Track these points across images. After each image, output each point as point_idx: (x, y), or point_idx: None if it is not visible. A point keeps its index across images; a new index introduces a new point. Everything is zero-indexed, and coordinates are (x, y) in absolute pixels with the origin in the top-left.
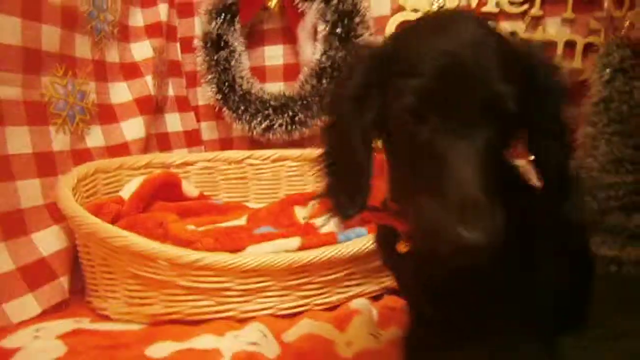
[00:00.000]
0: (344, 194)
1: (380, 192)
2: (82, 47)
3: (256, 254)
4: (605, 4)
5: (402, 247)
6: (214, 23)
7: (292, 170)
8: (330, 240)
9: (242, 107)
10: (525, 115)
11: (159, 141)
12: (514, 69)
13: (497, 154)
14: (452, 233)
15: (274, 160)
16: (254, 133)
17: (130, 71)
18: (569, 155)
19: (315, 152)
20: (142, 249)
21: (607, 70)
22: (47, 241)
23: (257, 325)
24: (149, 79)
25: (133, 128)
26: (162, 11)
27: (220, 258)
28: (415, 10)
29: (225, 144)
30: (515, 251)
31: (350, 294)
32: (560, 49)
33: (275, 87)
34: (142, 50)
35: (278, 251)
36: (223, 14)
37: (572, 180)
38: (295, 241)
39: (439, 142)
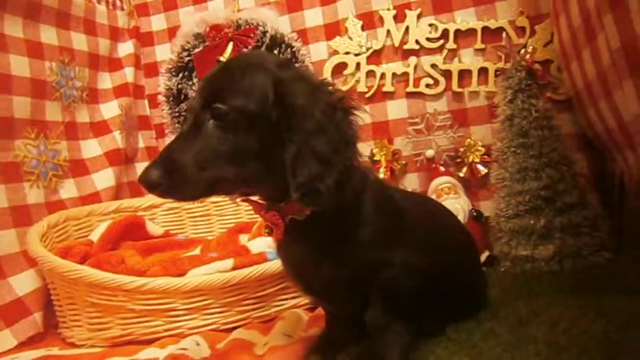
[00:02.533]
0: None
1: None
2: (53, 112)
3: (195, 276)
4: (504, 34)
5: (263, 232)
6: (174, 80)
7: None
8: (260, 259)
9: None
10: (284, 132)
11: (131, 189)
12: (245, 86)
13: (244, 145)
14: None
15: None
16: None
17: (100, 128)
18: (297, 156)
19: None
20: (94, 279)
21: (509, 92)
22: (23, 282)
23: (194, 337)
24: (117, 134)
25: (104, 178)
26: (128, 73)
27: (161, 282)
28: (347, 53)
29: None
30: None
31: (286, 306)
32: (475, 76)
33: None
34: (110, 109)
35: (213, 272)
36: (182, 72)
37: (302, 175)
38: (229, 262)
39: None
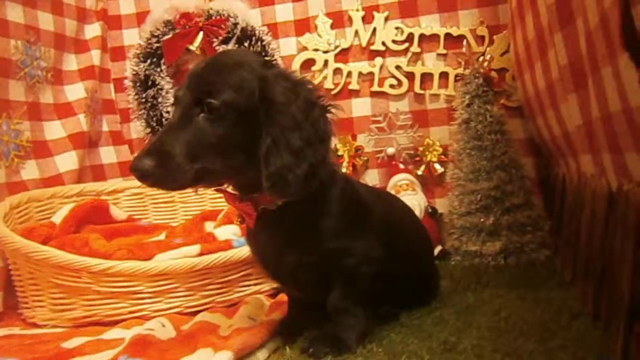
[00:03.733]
0: None
1: None
2: (16, 91)
3: (161, 260)
4: (464, 42)
5: (235, 221)
6: (142, 65)
7: (215, 193)
8: (226, 246)
9: None
10: (264, 126)
11: (94, 172)
12: (234, 82)
13: (229, 137)
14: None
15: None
16: None
17: (64, 110)
18: (273, 149)
19: None
20: (60, 260)
21: (467, 96)
22: None
23: (159, 319)
24: (81, 116)
25: (67, 161)
26: (94, 56)
27: (129, 265)
28: (316, 50)
29: None
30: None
31: (248, 292)
32: (436, 79)
33: None
34: (75, 91)
35: (180, 257)
36: (150, 58)
37: (275, 166)
38: (195, 248)
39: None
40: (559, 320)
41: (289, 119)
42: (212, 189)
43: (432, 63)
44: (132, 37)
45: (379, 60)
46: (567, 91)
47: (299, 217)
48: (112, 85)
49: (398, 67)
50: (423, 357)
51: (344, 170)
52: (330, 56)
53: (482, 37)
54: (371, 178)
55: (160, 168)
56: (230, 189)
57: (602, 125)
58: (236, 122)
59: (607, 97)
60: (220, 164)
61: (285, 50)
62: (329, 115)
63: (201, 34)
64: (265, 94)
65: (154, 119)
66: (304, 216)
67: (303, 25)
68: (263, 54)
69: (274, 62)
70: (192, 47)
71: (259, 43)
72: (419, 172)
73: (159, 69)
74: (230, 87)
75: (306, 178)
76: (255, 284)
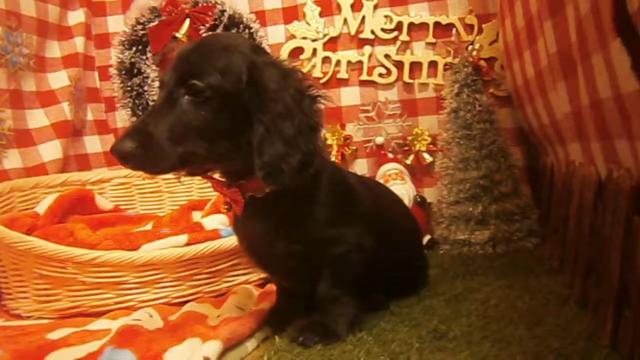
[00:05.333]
0: None
1: None
2: None
3: (148, 250)
4: (454, 31)
5: (222, 209)
6: (127, 53)
7: (202, 183)
8: (214, 235)
9: None
10: (254, 113)
11: (79, 162)
12: (221, 65)
13: (214, 121)
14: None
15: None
16: None
17: (47, 98)
18: (264, 136)
19: None
20: (45, 250)
21: (456, 85)
22: None
23: (147, 309)
24: (65, 105)
25: (50, 150)
26: (78, 43)
27: (115, 255)
28: (304, 38)
29: None
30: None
31: (237, 282)
32: (425, 68)
33: None
34: (58, 79)
35: (167, 247)
36: (135, 45)
37: (268, 153)
38: (183, 238)
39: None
40: (547, 307)
41: (281, 107)
42: (200, 176)
43: (421, 52)
44: (117, 24)
45: (367, 49)
46: (556, 79)
47: (288, 204)
48: (96, 73)
49: (387, 56)
50: (413, 345)
51: (332, 159)
52: (319, 44)
53: (471, 26)
54: (360, 167)
55: (142, 150)
56: (217, 176)
57: (592, 112)
58: (221, 106)
59: (597, 84)
60: (205, 148)
61: (274, 38)
62: (319, 104)
63: (188, 21)
64: (254, 80)
65: (140, 107)
66: (293, 204)
67: (291, 13)
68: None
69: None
70: (179, 35)
71: (246, 31)
72: (408, 162)
73: (144, 57)
74: (216, 70)
75: (300, 167)
76: (244, 274)
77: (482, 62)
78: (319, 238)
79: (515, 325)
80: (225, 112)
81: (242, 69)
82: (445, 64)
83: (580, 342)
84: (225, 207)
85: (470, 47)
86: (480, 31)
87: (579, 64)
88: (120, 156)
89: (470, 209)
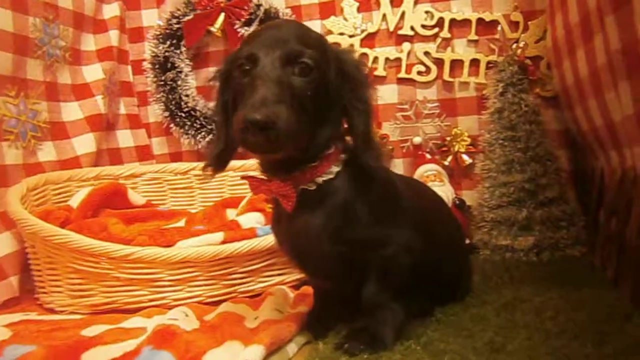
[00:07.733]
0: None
1: None
2: (34, 70)
3: (183, 247)
4: (498, 28)
5: (266, 207)
6: (161, 47)
7: (234, 179)
8: (250, 234)
9: (188, 123)
10: (342, 97)
11: (111, 156)
12: (313, 46)
13: (311, 102)
14: (241, 116)
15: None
16: (199, 146)
17: (82, 91)
18: (368, 123)
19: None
20: (80, 245)
21: (500, 85)
22: None
23: (182, 308)
24: (99, 98)
25: (84, 143)
26: (113, 37)
27: (150, 251)
28: (342, 34)
29: (175, 157)
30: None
31: (272, 282)
32: (466, 67)
33: None
34: (93, 72)
35: (203, 244)
36: (170, 39)
37: (372, 140)
38: (219, 235)
39: (254, 82)
40: (610, 323)
41: (370, 97)
42: (241, 175)
43: (462, 49)
44: (151, 18)
45: (406, 46)
46: (617, 78)
47: (338, 199)
48: (130, 67)
49: (427, 53)
50: (469, 357)
51: None
52: (356, 40)
53: (516, 23)
54: (397, 168)
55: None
56: (255, 174)
57: None
58: (319, 86)
59: None
60: (308, 126)
61: None
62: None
63: (222, 15)
64: (341, 66)
65: (173, 102)
66: (343, 199)
67: (328, 8)
68: None
69: None
70: (213, 29)
71: None
72: (446, 163)
73: (178, 51)
74: (318, 52)
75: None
76: (279, 274)
77: (527, 61)
78: (367, 237)
79: (579, 341)
80: (321, 92)
81: (332, 54)
82: (488, 62)
83: None
84: (269, 206)
85: (515, 45)
86: (525, 29)
87: None
88: (262, 122)
89: (514, 214)
